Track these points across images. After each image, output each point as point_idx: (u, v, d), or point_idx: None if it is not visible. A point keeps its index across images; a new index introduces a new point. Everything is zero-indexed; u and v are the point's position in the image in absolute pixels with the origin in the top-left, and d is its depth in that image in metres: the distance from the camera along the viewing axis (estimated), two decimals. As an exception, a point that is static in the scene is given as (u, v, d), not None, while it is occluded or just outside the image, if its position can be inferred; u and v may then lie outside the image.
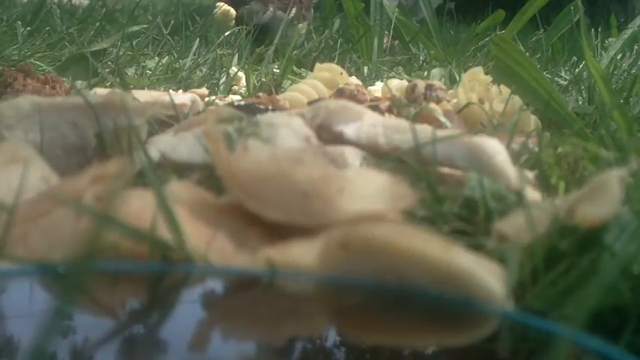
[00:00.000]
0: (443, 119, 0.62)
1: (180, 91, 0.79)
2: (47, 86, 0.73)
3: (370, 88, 0.86)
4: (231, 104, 0.69)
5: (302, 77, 1.00)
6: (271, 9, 1.37)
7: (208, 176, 0.42)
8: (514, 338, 0.27)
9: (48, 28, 1.29)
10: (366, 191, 0.35)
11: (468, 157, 0.46)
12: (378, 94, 0.81)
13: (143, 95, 0.64)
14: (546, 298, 0.31)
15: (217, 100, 0.76)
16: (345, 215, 0.33)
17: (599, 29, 1.73)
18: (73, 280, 0.18)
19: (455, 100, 0.77)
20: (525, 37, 1.57)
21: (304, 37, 1.38)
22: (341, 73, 0.83)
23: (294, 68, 1.08)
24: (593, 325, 0.28)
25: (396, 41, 1.48)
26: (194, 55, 1.08)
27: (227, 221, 0.34)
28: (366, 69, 1.14)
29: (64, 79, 0.82)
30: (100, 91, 0.68)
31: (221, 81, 0.95)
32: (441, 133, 0.48)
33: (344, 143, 0.49)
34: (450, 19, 1.89)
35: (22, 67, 0.75)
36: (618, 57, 1.23)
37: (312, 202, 0.34)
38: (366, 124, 0.50)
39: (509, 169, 0.45)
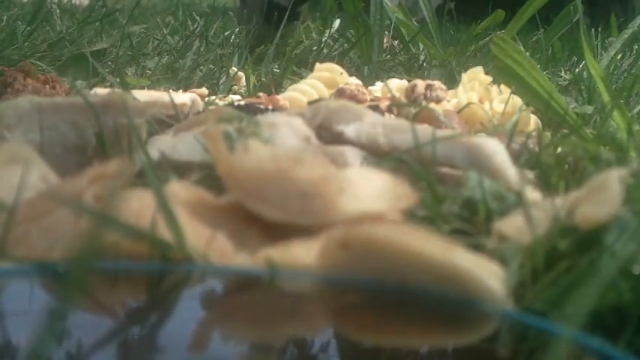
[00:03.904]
0: (443, 119, 0.62)
1: (180, 91, 0.79)
2: (47, 86, 0.72)
3: (370, 88, 0.86)
4: (231, 104, 0.69)
5: (302, 77, 1.00)
6: None
7: (208, 176, 0.42)
8: (514, 338, 0.27)
9: (48, 28, 1.29)
10: (366, 191, 0.35)
11: (468, 157, 0.46)
12: (378, 94, 0.81)
13: (143, 95, 0.64)
14: (546, 298, 0.31)
15: (217, 100, 0.76)
16: (345, 215, 0.33)
17: (599, 29, 1.72)
18: (73, 280, 0.18)
19: (455, 100, 0.77)
20: (525, 37, 1.57)
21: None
22: (341, 73, 0.83)
23: (294, 68, 1.08)
24: (593, 325, 0.28)
25: (396, 41, 1.48)
26: (194, 55, 1.08)
27: (227, 221, 0.34)
28: (366, 69, 1.14)
29: (64, 79, 0.82)
30: (100, 91, 0.68)
31: (221, 81, 0.94)
32: (441, 133, 0.48)
33: (344, 143, 0.49)
34: (450, 19, 1.89)
35: (22, 67, 0.75)
36: (618, 57, 1.23)
37: (312, 202, 0.34)
38: (366, 124, 0.50)
39: (509, 169, 0.45)
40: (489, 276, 0.29)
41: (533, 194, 0.42)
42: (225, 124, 0.46)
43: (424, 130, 0.48)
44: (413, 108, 0.66)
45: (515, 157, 0.49)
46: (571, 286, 0.31)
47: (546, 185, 0.45)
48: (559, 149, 0.51)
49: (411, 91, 0.77)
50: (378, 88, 0.87)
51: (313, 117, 0.50)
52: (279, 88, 0.93)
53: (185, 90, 0.82)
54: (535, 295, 0.32)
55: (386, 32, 1.38)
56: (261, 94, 0.83)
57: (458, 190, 0.40)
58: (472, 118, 0.72)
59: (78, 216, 0.31)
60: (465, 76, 0.80)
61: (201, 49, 1.15)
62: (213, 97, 0.78)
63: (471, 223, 0.39)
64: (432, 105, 0.72)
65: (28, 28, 1.17)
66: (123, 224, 0.30)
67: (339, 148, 0.47)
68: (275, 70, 1.06)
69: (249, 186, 0.34)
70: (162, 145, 0.48)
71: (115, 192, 0.29)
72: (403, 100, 0.76)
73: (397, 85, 0.83)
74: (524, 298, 0.31)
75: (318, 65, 0.87)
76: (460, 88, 0.78)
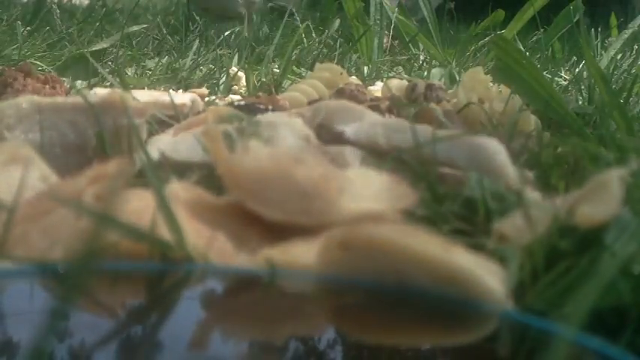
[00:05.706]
0: (443, 119, 0.62)
1: (180, 91, 0.79)
2: (47, 86, 0.72)
3: (370, 88, 0.86)
4: (231, 104, 0.69)
5: (302, 77, 1.00)
6: None
7: (208, 176, 0.42)
8: (514, 338, 0.27)
9: (48, 28, 1.29)
10: (366, 191, 0.35)
11: (468, 157, 0.46)
12: (378, 94, 0.81)
13: (143, 95, 0.64)
14: (546, 298, 0.31)
15: (217, 100, 0.76)
16: (345, 215, 0.33)
17: (599, 29, 1.72)
18: (73, 280, 0.18)
19: (455, 100, 0.77)
20: (525, 37, 1.57)
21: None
22: (341, 73, 0.83)
23: (294, 68, 1.08)
24: (593, 325, 0.28)
25: (396, 41, 1.48)
26: (194, 55, 1.08)
27: (227, 221, 0.34)
28: (366, 69, 1.14)
29: (64, 79, 0.82)
30: (100, 91, 0.68)
31: (221, 81, 0.95)
32: (441, 133, 0.48)
33: (344, 143, 0.49)
34: (450, 19, 1.90)
35: (22, 67, 0.75)
36: (618, 57, 1.23)
37: (312, 202, 0.34)
38: (366, 123, 0.50)
39: (509, 169, 0.45)
40: (489, 276, 0.29)
41: (533, 194, 0.42)
42: (225, 124, 0.46)
43: (424, 130, 0.48)
44: (413, 108, 0.66)
45: (515, 157, 0.49)
46: (571, 286, 0.31)
47: (546, 185, 0.45)
48: (559, 149, 0.51)
49: (411, 91, 0.77)
50: (378, 88, 0.87)
51: (313, 117, 0.50)
52: (279, 88, 0.93)
53: (185, 90, 0.82)
54: (535, 295, 0.32)
55: (386, 32, 1.38)
56: (261, 94, 0.83)
57: (458, 190, 0.40)
58: (472, 118, 0.72)
59: (78, 216, 0.31)
60: (465, 76, 0.80)
61: (201, 49, 1.15)
62: (213, 97, 0.78)
63: (471, 223, 0.39)
64: (432, 105, 0.71)
65: (28, 28, 1.17)
66: (123, 224, 0.30)
67: (339, 148, 0.47)
68: (275, 70, 1.06)
69: (249, 186, 0.34)
70: (163, 145, 0.48)
71: (115, 192, 0.29)
72: (403, 100, 0.76)
73: (397, 85, 0.82)
74: (524, 298, 0.31)
75: (318, 65, 0.87)
76: (460, 88, 0.78)
